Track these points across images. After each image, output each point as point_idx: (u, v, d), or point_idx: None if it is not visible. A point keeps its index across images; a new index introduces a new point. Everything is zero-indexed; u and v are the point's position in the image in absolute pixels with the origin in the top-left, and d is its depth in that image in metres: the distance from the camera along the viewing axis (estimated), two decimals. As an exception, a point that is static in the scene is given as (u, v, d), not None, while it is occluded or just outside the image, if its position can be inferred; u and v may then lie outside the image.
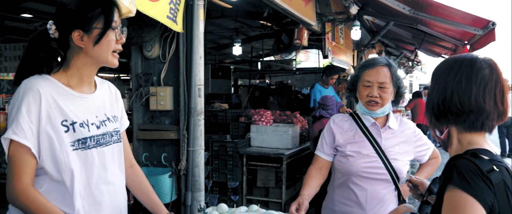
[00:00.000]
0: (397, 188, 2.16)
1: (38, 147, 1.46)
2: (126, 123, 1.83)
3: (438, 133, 1.33)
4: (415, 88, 22.67)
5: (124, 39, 1.62)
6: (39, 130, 1.46)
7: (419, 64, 16.43)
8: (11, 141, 1.42)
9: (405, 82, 19.01)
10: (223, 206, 2.10)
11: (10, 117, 1.46)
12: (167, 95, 3.19)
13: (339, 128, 2.18)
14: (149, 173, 3.16)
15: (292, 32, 5.84)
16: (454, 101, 1.22)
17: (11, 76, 11.11)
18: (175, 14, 2.84)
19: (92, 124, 1.57)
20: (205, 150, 5.84)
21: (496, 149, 9.75)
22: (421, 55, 11.92)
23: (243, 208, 2.07)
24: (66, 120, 1.50)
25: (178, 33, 3.13)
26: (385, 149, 2.10)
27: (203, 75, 3.13)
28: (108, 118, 1.66)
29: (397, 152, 2.12)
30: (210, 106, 8.55)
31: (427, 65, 24.87)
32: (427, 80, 26.84)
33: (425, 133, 10.59)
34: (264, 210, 2.02)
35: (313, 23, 5.48)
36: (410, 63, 14.47)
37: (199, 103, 3.10)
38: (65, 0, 1.53)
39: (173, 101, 3.23)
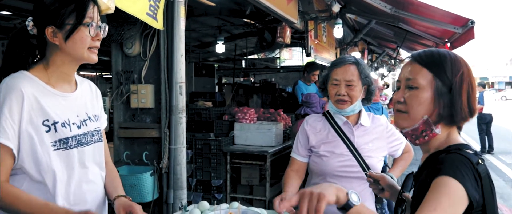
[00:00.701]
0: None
1: (18, 147, 1.44)
2: (105, 123, 1.81)
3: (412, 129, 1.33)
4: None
5: (101, 36, 1.59)
6: (20, 130, 1.44)
7: (401, 62, 16.66)
8: None
9: (388, 80, 19.26)
10: (205, 203, 2.09)
11: None
12: (148, 93, 3.17)
13: (312, 128, 2.20)
14: (131, 172, 3.13)
15: (275, 30, 5.85)
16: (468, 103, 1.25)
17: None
18: (155, 11, 2.82)
19: (73, 123, 1.56)
20: (189, 149, 5.84)
21: (476, 145, 9.93)
22: (404, 53, 12.06)
23: (224, 205, 2.07)
24: (47, 120, 1.48)
25: (159, 30, 3.11)
26: (358, 147, 2.12)
27: (185, 72, 3.11)
28: (89, 117, 1.65)
29: (370, 149, 2.14)
30: (193, 104, 8.50)
31: (410, 63, 25.13)
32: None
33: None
34: (244, 207, 2.02)
35: (296, 21, 5.50)
36: (392, 61, 14.64)
37: (181, 101, 3.08)
38: None
39: (155, 99, 3.21)
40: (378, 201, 2.22)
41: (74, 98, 1.61)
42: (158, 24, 2.92)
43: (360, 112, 2.19)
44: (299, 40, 7.74)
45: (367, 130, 2.18)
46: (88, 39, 1.53)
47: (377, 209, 2.24)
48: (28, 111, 1.44)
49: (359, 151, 2.12)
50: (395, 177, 2.25)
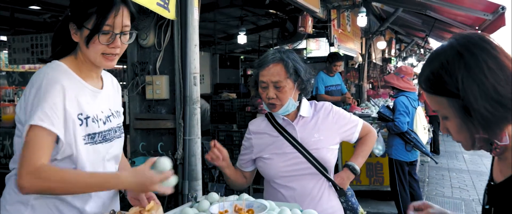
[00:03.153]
0: (329, 180, 2.05)
1: (64, 135, 1.46)
2: (122, 117, 1.83)
3: (496, 141, 1.10)
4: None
5: (119, 44, 1.55)
6: (64, 119, 1.46)
7: (430, 51, 16.19)
8: (31, 126, 1.39)
9: (418, 70, 18.73)
10: (214, 195, 2.08)
11: (30, 105, 1.43)
12: (163, 84, 3.17)
13: (255, 134, 2.10)
14: (146, 163, 3.14)
15: (296, 19, 5.76)
16: (502, 94, 1.03)
17: (21, 69, 11.25)
18: (167, 1, 2.80)
19: (100, 119, 1.59)
20: (212, 140, 5.86)
21: None
22: (433, 42, 11.71)
23: (232, 197, 2.05)
24: (81, 114, 1.51)
25: (172, 21, 3.09)
26: (303, 141, 2.00)
27: (199, 63, 3.09)
28: (112, 113, 1.68)
29: (317, 141, 2.00)
30: (218, 96, 8.55)
31: (441, 52, 24.32)
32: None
33: (439, 123, 10.29)
34: (252, 199, 2.00)
35: (317, 10, 5.40)
36: (421, 50, 14.24)
37: (195, 91, 3.07)
38: None
39: (169, 90, 3.20)
40: (340, 194, 2.09)
41: (103, 94, 1.63)
42: (170, 14, 2.90)
43: (299, 102, 2.05)
44: (322, 30, 7.62)
45: (309, 121, 2.05)
46: (101, 46, 1.51)
47: (341, 202, 2.10)
48: (68, 104, 1.47)
49: (305, 145, 1.98)
50: (357, 168, 2.11)
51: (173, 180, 1.61)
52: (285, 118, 2.03)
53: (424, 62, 1.16)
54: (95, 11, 1.47)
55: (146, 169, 1.51)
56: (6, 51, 9.00)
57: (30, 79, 1.51)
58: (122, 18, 1.52)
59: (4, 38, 9.80)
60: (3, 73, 11.31)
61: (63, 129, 1.45)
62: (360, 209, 2.15)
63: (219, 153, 1.99)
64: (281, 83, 1.93)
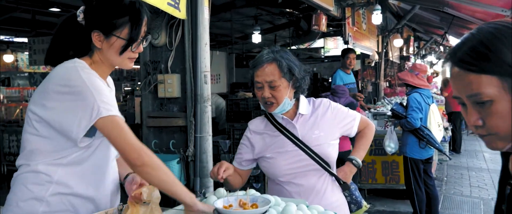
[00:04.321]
0: (332, 174, 2.07)
1: None
2: None
3: None
4: (449, 75, 21.73)
5: (142, 49, 1.65)
6: None
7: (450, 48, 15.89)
8: (103, 119, 1.46)
9: (438, 68, 18.45)
10: (221, 190, 2.10)
11: (85, 102, 1.47)
12: (174, 82, 3.22)
13: (255, 134, 2.10)
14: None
15: (310, 18, 5.75)
16: None
17: (42, 69, 11.53)
18: (178, 1, 2.84)
19: None
20: (227, 138, 5.89)
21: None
22: (452, 40, 11.51)
23: (240, 192, 2.07)
24: None
25: (183, 20, 3.14)
26: (304, 139, 2.00)
27: (209, 61, 3.13)
28: None
29: (318, 137, 2.01)
30: (234, 95, 8.59)
31: (462, 50, 23.78)
32: (461, 65, 25.57)
33: (461, 121, 10.10)
34: (259, 194, 2.02)
35: (331, 8, 5.38)
36: (440, 48, 14.01)
37: (206, 89, 3.11)
38: None
39: (181, 88, 3.26)
40: (344, 188, 2.10)
41: (111, 94, 1.67)
42: (180, 13, 2.94)
43: (297, 100, 2.06)
44: (337, 28, 7.58)
45: (308, 117, 2.05)
46: (130, 52, 1.60)
47: (345, 196, 2.11)
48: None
49: (306, 142, 1.99)
50: (359, 161, 2.13)
51: None
52: (285, 117, 2.04)
53: (461, 39, 0.98)
54: (128, 21, 1.54)
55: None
56: (27, 53, 9.24)
57: (52, 76, 1.53)
58: (145, 25, 1.61)
59: (25, 39, 10.06)
60: (25, 74, 11.60)
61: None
62: (364, 203, 2.15)
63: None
64: (276, 82, 1.93)
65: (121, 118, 1.50)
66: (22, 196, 1.55)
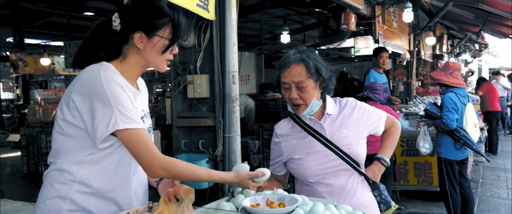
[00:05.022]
0: (362, 174, 2.04)
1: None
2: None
3: None
4: (485, 74, 21.07)
5: (177, 51, 1.70)
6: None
7: (486, 46, 15.36)
8: (122, 131, 1.50)
9: (473, 66, 17.90)
10: (249, 190, 2.11)
11: (103, 111, 1.49)
12: (203, 83, 3.26)
13: (283, 137, 2.09)
14: (188, 159, 3.24)
15: (339, 17, 5.69)
16: None
17: (77, 72, 11.86)
18: (206, 2, 2.87)
19: (140, 118, 1.65)
20: (257, 139, 5.90)
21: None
22: (488, 37, 11.15)
23: (268, 192, 2.07)
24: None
25: (211, 21, 3.17)
26: (332, 139, 1.99)
27: (237, 62, 3.15)
28: (145, 114, 1.75)
29: (346, 137, 1.99)
30: (263, 95, 8.61)
31: (498, 47, 23.05)
32: (497, 64, 24.76)
33: (498, 120, 9.79)
34: (286, 193, 2.02)
35: (360, 6, 5.31)
36: (476, 45, 13.58)
37: (234, 90, 3.13)
38: (135, 0, 1.60)
39: (210, 88, 3.29)
40: (373, 187, 2.07)
41: (139, 96, 1.71)
42: (209, 14, 2.98)
43: (324, 100, 2.04)
44: (367, 27, 7.47)
45: (336, 117, 2.03)
46: (168, 54, 1.65)
47: (375, 196, 2.08)
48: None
49: (335, 142, 1.98)
50: (387, 159, 2.10)
51: (263, 178, 1.85)
52: (312, 117, 2.03)
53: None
54: (169, 21, 1.59)
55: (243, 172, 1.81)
56: (63, 56, 9.54)
57: (80, 78, 1.56)
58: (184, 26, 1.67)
59: (61, 43, 10.39)
60: (61, 77, 11.98)
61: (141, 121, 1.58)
62: (393, 203, 2.12)
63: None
64: (303, 83, 1.92)
65: (137, 131, 1.52)
66: (48, 194, 1.60)
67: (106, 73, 1.54)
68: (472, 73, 16.57)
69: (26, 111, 8.97)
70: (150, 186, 1.86)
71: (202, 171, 1.70)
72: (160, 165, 1.54)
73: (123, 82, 1.57)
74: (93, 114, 1.50)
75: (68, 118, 1.55)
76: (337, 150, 1.98)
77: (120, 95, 1.51)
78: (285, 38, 8.85)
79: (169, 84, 4.18)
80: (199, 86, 3.26)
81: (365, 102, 4.78)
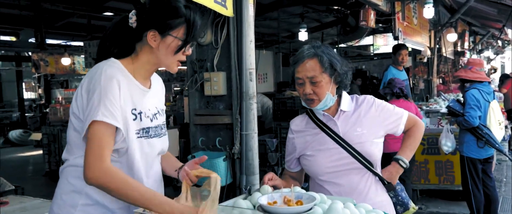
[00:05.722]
0: (376, 174, 1.97)
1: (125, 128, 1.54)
2: (164, 116, 1.90)
3: None
4: (508, 71, 20.56)
5: (190, 52, 1.68)
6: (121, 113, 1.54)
7: (509, 43, 14.99)
8: (93, 122, 1.47)
9: (496, 63, 17.50)
10: (266, 187, 2.09)
11: (90, 101, 1.50)
12: (220, 80, 3.24)
13: (297, 133, 2.06)
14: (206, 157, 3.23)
15: (358, 14, 5.62)
16: None
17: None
18: (223, -1, 2.86)
19: (147, 117, 1.65)
20: (274, 137, 5.88)
21: None
22: (511, 33, 10.88)
23: (285, 189, 2.05)
24: (135, 109, 1.59)
25: (228, 18, 3.15)
26: (345, 136, 1.93)
27: (254, 59, 3.12)
28: (158, 112, 1.74)
29: (360, 135, 1.93)
30: (281, 94, 8.58)
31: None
32: (522, 60, 24.11)
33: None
34: (304, 191, 1.99)
35: (380, 2, 5.24)
36: (499, 42, 13.27)
37: (251, 87, 3.10)
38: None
39: (227, 86, 3.28)
40: (389, 188, 2.01)
41: (149, 93, 1.70)
42: (228, 11, 2.96)
43: (340, 97, 1.99)
44: (386, 24, 7.37)
45: (351, 115, 1.98)
46: (180, 55, 1.63)
47: (391, 197, 2.01)
48: (123, 99, 1.54)
49: (347, 140, 1.92)
50: (406, 161, 2.02)
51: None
52: (326, 113, 1.99)
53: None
54: (184, 22, 1.58)
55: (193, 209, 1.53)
56: (83, 56, 9.68)
57: (88, 74, 1.60)
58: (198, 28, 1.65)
59: (81, 43, 10.56)
60: (81, 76, 12.15)
61: (122, 121, 1.53)
62: (412, 204, 2.05)
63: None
64: (317, 78, 1.88)
65: (107, 128, 1.47)
66: (64, 189, 1.62)
67: (108, 68, 1.54)
68: (495, 70, 16.20)
69: (47, 110, 9.12)
70: (168, 179, 1.86)
71: (138, 194, 1.48)
72: (99, 169, 1.45)
73: (124, 79, 1.56)
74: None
75: (76, 113, 1.57)
76: (349, 148, 1.94)
77: (110, 90, 1.50)
78: (303, 36, 8.79)
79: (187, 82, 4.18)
80: (216, 84, 3.25)
81: (386, 99, 4.73)
